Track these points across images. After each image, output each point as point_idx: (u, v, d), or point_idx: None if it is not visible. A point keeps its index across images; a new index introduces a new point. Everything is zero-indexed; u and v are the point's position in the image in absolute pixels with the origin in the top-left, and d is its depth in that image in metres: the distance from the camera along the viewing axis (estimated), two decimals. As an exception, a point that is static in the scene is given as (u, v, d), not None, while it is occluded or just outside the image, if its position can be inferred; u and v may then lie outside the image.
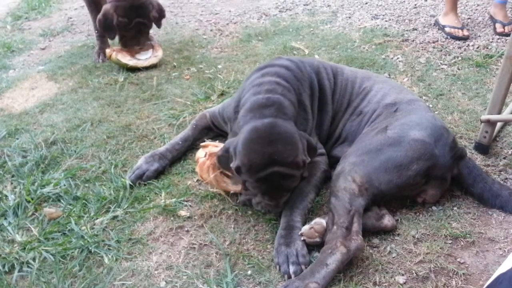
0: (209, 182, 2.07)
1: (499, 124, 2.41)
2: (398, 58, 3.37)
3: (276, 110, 1.93)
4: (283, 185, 1.88)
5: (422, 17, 4.07)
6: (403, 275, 1.71)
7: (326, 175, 2.12)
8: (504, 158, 2.30)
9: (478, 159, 2.30)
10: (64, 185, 2.23)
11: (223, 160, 1.95)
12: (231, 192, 2.08)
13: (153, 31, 4.22)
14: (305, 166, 1.93)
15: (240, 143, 1.86)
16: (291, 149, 1.85)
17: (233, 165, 1.88)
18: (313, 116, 2.19)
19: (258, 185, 1.87)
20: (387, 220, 1.89)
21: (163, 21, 3.61)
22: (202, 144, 2.18)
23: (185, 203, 2.11)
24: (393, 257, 1.79)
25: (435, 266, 1.74)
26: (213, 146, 2.11)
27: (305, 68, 2.23)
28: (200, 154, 2.11)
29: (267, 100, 1.97)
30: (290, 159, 1.84)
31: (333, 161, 2.13)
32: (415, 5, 4.37)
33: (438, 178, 1.97)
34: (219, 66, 3.42)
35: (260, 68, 2.22)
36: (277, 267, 1.75)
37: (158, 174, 2.28)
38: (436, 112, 2.66)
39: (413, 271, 1.72)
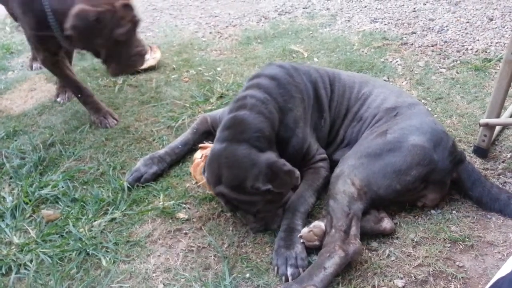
0: (202, 184, 2.07)
1: (497, 128, 2.41)
2: (397, 61, 3.37)
3: (233, 133, 1.90)
4: (241, 208, 1.91)
5: (421, 20, 4.08)
6: (402, 278, 1.71)
7: (328, 180, 2.10)
8: (503, 161, 2.30)
9: (477, 162, 2.29)
10: (62, 187, 2.23)
11: None
12: None
13: (152, 32, 4.23)
14: (268, 192, 1.83)
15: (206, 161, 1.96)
16: (236, 174, 1.82)
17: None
18: (306, 122, 2.15)
19: (220, 200, 1.96)
20: (386, 223, 1.88)
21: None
22: (201, 145, 2.17)
23: (184, 205, 2.11)
24: (392, 261, 1.78)
25: (434, 270, 1.74)
26: None
27: (298, 76, 2.19)
28: (197, 155, 2.11)
29: (229, 121, 1.95)
30: (234, 183, 1.82)
31: (334, 165, 2.12)
32: (414, 8, 4.38)
33: (438, 183, 1.96)
34: (218, 69, 3.42)
35: (250, 79, 2.19)
36: (275, 268, 1.75)
37: (157, 176, 2.27)
38: (435, 116, 2.66)
39: (412, 275, 1.72)
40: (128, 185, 2.19)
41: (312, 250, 1.82)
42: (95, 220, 2.03)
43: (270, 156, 1.88)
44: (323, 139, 2.25)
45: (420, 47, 3.60)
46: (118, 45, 2.37)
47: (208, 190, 2.11)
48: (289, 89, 2.12)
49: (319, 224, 1.83)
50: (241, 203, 1.88)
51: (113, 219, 2.04)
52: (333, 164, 2.16)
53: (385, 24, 4.08)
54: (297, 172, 1.87)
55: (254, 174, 1.81)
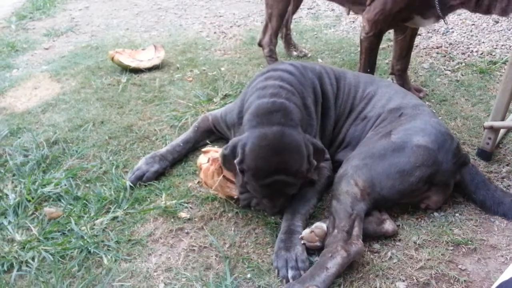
0: (214, 188, 2.06)
1: (502, 131, 2.40)
2: (401, 63, 3.35)
3: (283, 116, 1.93)
4: (284, 192, 1.91)
5: (426, 22, 4.07)
6: (403, 281, 1.70)
7: (330, 181, 2.11)
8: (507, 165, 2.29)
9: (480, 165, 2.28)
10: (65, 185, 2.23)
11: (228, 159, 1.96)
12: (235, 197, 2.07)
13: (157, 32, 4.24)
14: (310, 171, 1.95)
15: (249, 147, 1.88)
16: (297, 159, 1.87)
17: (237, 162, 1.89)
18: (317, 121, 2.19)
19: (261, 190, 1.89)
20: (388, 225, 1.87)
21: None
22: (203, 150, 2.16)
23: (186, 205, 2.10)
24: (394, 263, 1.77)
25: (436, 273, 1.73)
26: (214, 152, 2.10)
27: (307, 74, 2.22)
28: (203, 160, 2.10)
29: (272, 105, 1.96)
30: (295, 169, 1.86)
31: (337, 165, 2.12)
32: (419, 10, 4.36)
33: (441, 184, 1.95)
34: (222, 69, 3.42)
35: (262, 73, 2.23)
36: (276, 271, 1.74)
37: (159, 175, 2.27)
38: (439, 118, 2.65)
39: (414, 277, 1.71)
40: (130, 184, 2.19)
41: (313, 251, 1.82)
42: (97, 219, 2.03)
43: (309, 136, 2.01)
44: (327, 138, 2.25)
45: (425, 49, 3.59)
46: None
47: (221, 195, 2.09)
48: (305, 87, 2.16)
49: (320, 225, 1.82)
50: (292, 187, 1.91)
51: (115, 218, 2.04)
52: (335, 165, 2.16)
53: (390, 26, 4.06)
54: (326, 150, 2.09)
55: (307, 155, 1.91)
